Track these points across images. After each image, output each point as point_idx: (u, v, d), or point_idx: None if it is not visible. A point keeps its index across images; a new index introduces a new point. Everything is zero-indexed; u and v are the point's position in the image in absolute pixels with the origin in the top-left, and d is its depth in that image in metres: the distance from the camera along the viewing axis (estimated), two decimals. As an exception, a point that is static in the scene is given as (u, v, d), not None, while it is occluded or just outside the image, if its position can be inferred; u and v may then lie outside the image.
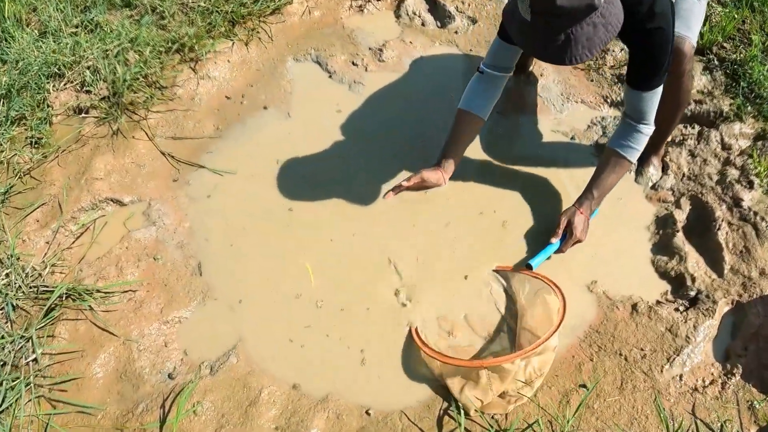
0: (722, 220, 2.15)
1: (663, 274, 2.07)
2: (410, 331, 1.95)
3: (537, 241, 2.15)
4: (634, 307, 1.98)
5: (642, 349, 1.89)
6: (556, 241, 2.09)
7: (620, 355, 1.88)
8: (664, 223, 2.19)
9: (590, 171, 2.18)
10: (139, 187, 2.29)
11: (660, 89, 1.91)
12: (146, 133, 2.43)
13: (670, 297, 2.03)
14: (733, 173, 2.27)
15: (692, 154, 2.36)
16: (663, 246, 2.14)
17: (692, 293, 2.01)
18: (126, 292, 2.01)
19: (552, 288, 1.98)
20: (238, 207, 2.26)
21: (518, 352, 1.80)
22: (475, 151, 2.40)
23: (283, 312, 2.01)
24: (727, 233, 2.12)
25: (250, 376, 1.85)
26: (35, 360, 1.82)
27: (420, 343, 1.90)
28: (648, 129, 2.00)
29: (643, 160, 2.32)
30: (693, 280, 2.03)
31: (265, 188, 2.31)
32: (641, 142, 2.02)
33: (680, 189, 2.28)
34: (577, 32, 1.54)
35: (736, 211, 2.17)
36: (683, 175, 2.32)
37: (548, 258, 2.09)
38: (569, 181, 2.31)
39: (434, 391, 1.84)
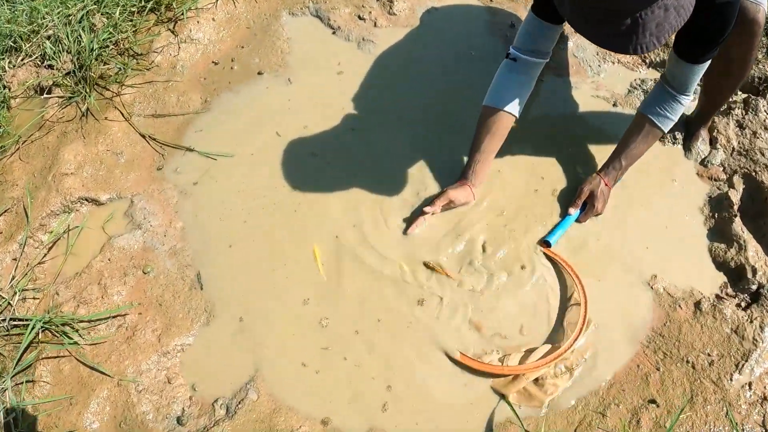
0: (781, 203, 1.79)
1: (721, 265, 1.71)
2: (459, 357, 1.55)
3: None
4: (698, 305, 1.62)
5: (709, 355, 1.55)
6: (575, 213, 1.74)
7: (687, 362, 1.54)
8: (718, 205, 1.80)
9: None
10: (118, 180, 1.77)
11: (710, 61, 1.54)
12: (121, 113, 1.87)
13: (730, 291, 1.68)
14: (786, 147, 1.90)
15: (740, 126, 1.96)
16: (719, 232, 1.76)
17: (753, 287, 1.66)
18: (114, 317, 1.55)
19: (572, 277, 1.64)
20: (236, 196, 1.76)
21: (541, 360, 1.52)
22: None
23: (293, 327, 1.57)
24: (786, 218, 1.78)
25: (276, 415, 1.44)
26: (15, 418, 1.37)
27: (473, 363, 1.52)
28: (687, 100, 1.63)
29: (692, 133, 1.91)
30: (754, 272, 1.67)
31: (267, 170, 1.81)
32: (678, 113, 1.66)
33: (731, 165, 1.88)
34: (647, 17, 1.13)
35: (793, 192, 1.82)
36: (733, 149, 1.92)
37: (564, 230, 1.74)
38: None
39: (484, 415, 1.47)
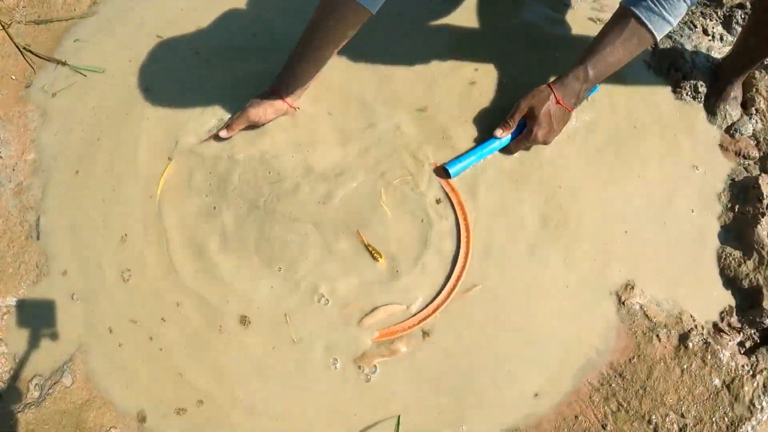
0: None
1: (730, 282, 1.06)
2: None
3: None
4: (684, 339, 1.01)
5: (683, 416, 0.96)
6: (503, 137, 1.11)
7: (649, 422, 0.96)
8: (742, 194, 1.13)
9: (637, 91, 1.16)
10: (-20, 100, 1.30)
11: None
12: (-1, 19, 1.38)
13: (734, 321, 1.05)
14: None
15: (793, 86, 1.24)
16: (737, 233, 1.10)
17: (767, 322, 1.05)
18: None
19: (461, 221, 1.08)
20: (98, 112, 1.23)
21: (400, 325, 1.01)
22: (472, 41, 1.28)
23: (101, 281, 1.08)
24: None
25: (87, 408, 0.99)
26: None
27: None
28: None
29: (720, 88, 1.20)
30: (775, 300, 1.05)
31: (140, 78, 1.25)
32: (678, 15, 0.99)
33: (770, 139, 1.21)
34: None
35: None
36: (777, 117, 1.22)
37: (480, 159, 1.12)
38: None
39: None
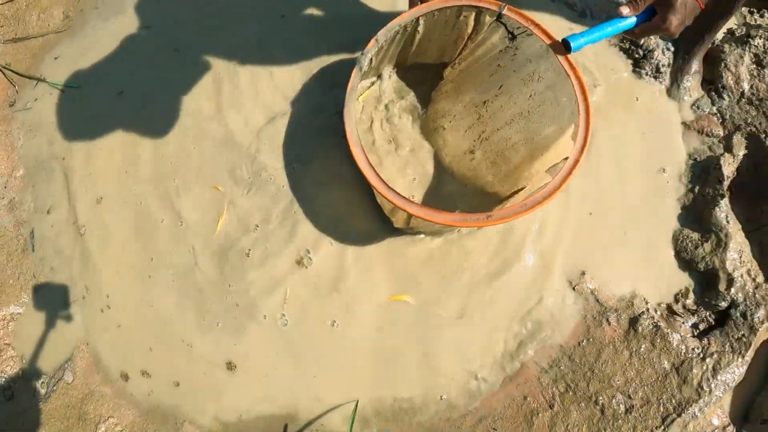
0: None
1: (687, 263, 1.03)
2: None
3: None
4: (634, 322, 0.99)
5: (630, 397, 0.96)
6: (630, 17, 0.88)
7: (596, 403, 0.96)
8: (703, 175, 1.07)
9: (601, 66, 1.09)
10: (-33, 120, 1.33)
11: None
12: (-23, 38, 1.38)
13: (690, 303, 1.03)
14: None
15: (759, 62, 1.11)
16: (695, 215, 1.05)
17: (723, 305, 1.00)
18: (-56, 281, 1.19)
19: (580, 98, 0.90)
20: (77, 125, 1.23)
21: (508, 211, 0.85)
22: None
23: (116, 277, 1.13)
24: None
25: (87, 401, 1.06)
26: None
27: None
28: None
29: (681, 64, 1.11)
30: (729, 283, 0.99)
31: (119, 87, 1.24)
32: None
33: (734, 117, 1.10)
34: None
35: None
36: (741, 94, 1.11)
37: (602, 38, 0.89)
38: None
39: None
